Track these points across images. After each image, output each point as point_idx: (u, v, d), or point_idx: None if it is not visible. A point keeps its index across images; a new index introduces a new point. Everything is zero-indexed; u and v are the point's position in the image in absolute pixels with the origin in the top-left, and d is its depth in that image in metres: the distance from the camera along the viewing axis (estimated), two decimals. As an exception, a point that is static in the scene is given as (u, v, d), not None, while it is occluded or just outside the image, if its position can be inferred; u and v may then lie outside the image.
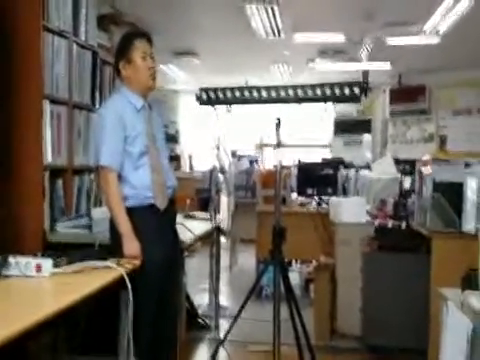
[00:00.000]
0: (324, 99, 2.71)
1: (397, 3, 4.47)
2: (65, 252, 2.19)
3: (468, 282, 1.98)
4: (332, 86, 2.72)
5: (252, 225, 5.74)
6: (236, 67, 6.97)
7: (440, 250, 3.30)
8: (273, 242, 2.90)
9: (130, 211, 2.42)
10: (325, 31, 5.19)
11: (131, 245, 2.36)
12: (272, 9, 4.31)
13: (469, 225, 3.29)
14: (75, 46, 3.19)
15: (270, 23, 4.70)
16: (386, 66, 6.82)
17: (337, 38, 5.39)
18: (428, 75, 7.48)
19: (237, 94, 2.78)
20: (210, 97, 2.83)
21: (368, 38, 5.33)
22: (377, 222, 4.08)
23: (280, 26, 4.82)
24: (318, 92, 2.74)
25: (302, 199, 5.32)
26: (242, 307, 2.90)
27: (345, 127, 9.27)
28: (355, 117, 9.15)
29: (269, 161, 8.65)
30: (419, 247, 3.62)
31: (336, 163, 5.31)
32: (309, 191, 5.16)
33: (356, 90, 2.70)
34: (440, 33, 5.22)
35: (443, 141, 8.17)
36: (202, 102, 2.80)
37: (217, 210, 4.25)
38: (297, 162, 5.28)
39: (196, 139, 9.78)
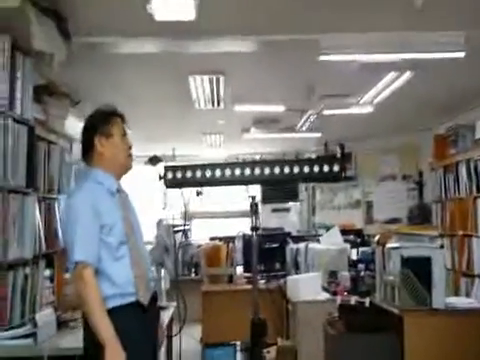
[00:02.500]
0: (304, 178, 2.50)
1: (338, 77, 4.49)
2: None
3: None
4: (311, 163, 2.53)
5: (191, 304, 5.32)
6: (167, 136, 6.72)
7: (413, 329, 3.16)
8: (252, 337, 2.57)
9: (110, 313, 2.04)
10: (265, 102, 5.12)
11: (116, 354, 1.96)
12: (217, 80, 4.15)
13: (439, 301, 3.20)
14: (10, 121, 2.77)
15: (212, 94, 4.54)
16: (316, 135, 6.88)
17: (277, 109, 5.33)
18: (354, 142, 7.64)
19: (208, 173, 2.50)
20: (176, 177, 2.52)
21: (307, 110, 5.33)
22: (339, 299, 3.86)
23: (222, 97, 4.66)
24: (295, 170, 2.53)
25: (248, 275, 5.00)
26: None
27: (272, 194, 9.18)
28: (282, 185, 9.09)
29: (198, 233, 8.31)
30: (388, 326, 3.43)
31: (283, 235, 5.09)
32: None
33: (336, 168, 2.52)
34: (374, 103, 5.32)
35: (369, 207, 8.31)
36: (169, 184, 2.48)
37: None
38: (241, 234, 4.99)
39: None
